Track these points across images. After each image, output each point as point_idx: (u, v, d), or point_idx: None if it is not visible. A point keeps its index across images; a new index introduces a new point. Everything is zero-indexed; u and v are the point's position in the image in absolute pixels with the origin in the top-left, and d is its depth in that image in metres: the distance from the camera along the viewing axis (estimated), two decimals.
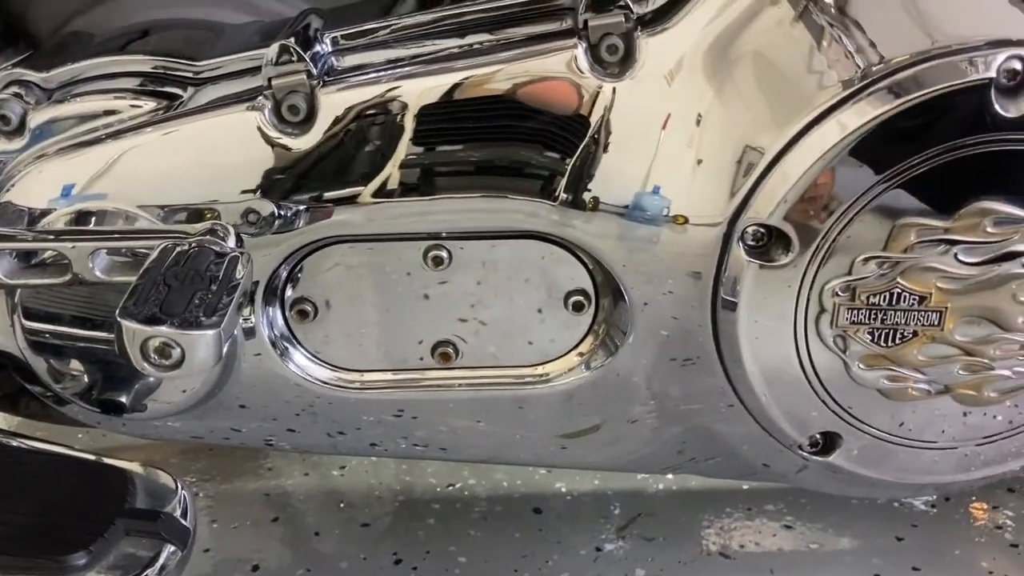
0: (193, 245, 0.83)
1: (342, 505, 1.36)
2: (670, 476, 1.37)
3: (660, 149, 0.90)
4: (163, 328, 0.75)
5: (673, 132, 0.90)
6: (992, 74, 0.83)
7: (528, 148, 0.91)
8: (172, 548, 0.83)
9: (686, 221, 0.90)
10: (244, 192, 0.92)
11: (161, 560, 0.82)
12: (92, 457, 0.89)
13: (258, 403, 1.04)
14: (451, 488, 1.37)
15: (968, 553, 1.26)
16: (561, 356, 1.01)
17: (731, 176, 0.89)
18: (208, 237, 0.85)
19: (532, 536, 1.29)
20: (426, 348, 1.01)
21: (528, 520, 1.32)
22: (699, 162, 0.90)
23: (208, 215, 0.92)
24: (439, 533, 1.30)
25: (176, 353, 0.75)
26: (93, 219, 0.93)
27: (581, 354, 1.01)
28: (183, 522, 0.85)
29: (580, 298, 0.98)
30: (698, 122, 0.89)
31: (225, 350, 0.77)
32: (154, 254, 0.83)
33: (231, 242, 0.86)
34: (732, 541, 1.28)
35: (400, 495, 1.37)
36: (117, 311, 0.76)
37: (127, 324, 0.75)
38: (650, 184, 0.90)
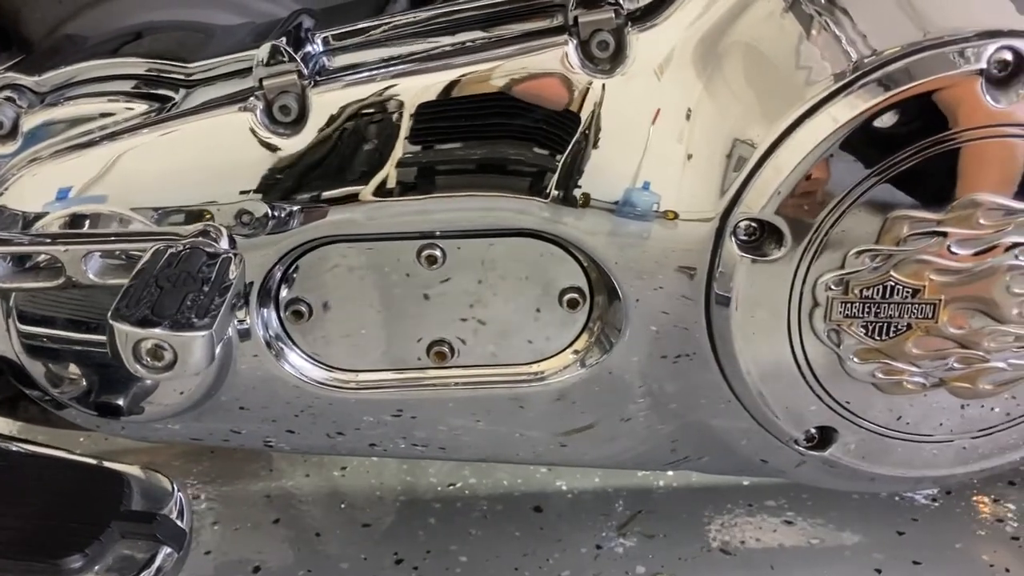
0: (185, 247, 0.83)
1: (343, 506, 1.36)
2: (670, 473, 1.36)
3: (650, 144, 0.90)
4: (155, 330, 0.75)
5: (663, 127, 0.89)
6: (983, 65, 0.83)
7: (520, 145, 0.91)
8: (168, 550, 0.83)
9: (676, 216, 0.90)
10: (237, 193, 0.92)
11: (157, 562, 0.82)
12: (88, 460, 0.89)
13: (257, 404, 1.04)
14: (452, 487, 1.37)
15: (969, 547, 1.26)
16: (556, 354, 1.01)
17: (722, 171, 0.89)
18: (200, 239, 0.85)
19: (533, 534, 1.29)
20: (422, 347, 1.01)
21: (529, 519, 1.31)
22: (689, 157, 0.89)
23: (202, 216, 0.92)
24: (440, 532, 1.30)
25: (168, 355, 0.76)
26: (87, 222, 0.93)
27: (576, 352, 1.00)
28: (179, 524, 0.85)
29: (575, 295, 0.98)
30: (688, 116, 0.89)
31: (219, 351, 0.77)
32: (146, 256, 0.83)
33: (223, 243, 0.86)
34: (733, 537, 1.27)
35: (401, 495, 1.37)
36: (109, 313, 0.76)
37: (119, 326, 0.76)
38: (640, 180, 0.90)
